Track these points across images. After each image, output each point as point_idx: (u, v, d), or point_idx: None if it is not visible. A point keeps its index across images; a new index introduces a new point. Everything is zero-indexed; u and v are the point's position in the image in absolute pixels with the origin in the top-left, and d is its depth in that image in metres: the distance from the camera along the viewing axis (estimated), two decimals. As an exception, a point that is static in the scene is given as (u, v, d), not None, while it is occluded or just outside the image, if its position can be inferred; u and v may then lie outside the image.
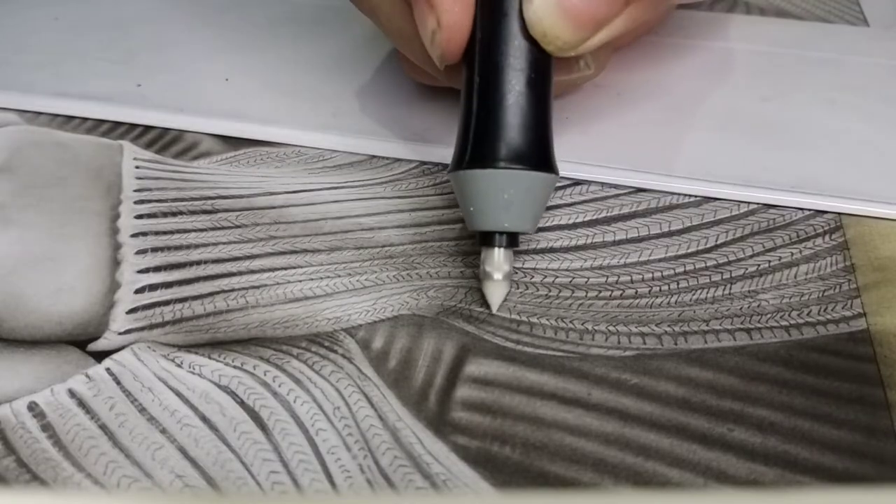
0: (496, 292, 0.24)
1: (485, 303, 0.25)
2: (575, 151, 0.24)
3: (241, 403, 0.22)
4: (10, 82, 0.34)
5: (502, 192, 0.23)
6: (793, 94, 0.33)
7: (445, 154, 0.30)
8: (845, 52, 0.36)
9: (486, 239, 0.24)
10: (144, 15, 0.39)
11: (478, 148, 0.23)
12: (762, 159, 0.30)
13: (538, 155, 0.23)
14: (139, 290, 0.25)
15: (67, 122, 0.32)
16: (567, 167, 0.29)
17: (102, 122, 0.32)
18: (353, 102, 0.33)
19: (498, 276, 0.24)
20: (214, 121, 0.32)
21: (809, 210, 0.28)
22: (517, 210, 0.23)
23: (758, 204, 0.28)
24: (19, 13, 0.39)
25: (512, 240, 0.24)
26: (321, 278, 0.26)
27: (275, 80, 0.34)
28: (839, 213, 0.28)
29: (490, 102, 0.23)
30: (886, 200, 0.28)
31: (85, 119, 0.32)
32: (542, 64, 0.24)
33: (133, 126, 0.32)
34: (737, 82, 0.34)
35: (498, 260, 0.24)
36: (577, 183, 0.29)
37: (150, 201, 0.29)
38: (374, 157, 0.31)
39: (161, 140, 0.32)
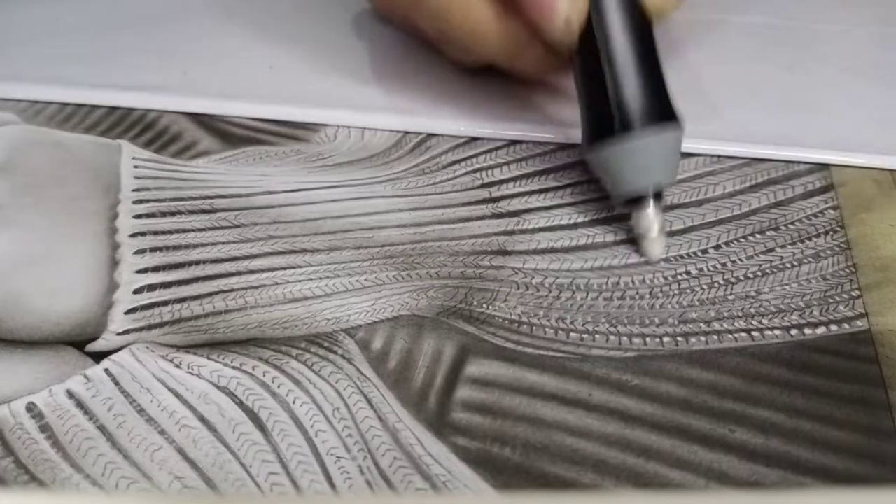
0: (656, 248, 0.26)
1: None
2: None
3: (240, 404, 0.22)
4: (53, 76, 0.34)
5: (649, 154, 0.25)
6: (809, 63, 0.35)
7: (496, 130, 0.31)
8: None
9: (637, 201, 0.26)
10: (173, 9, 0.39)
11: (617, 119, 0.25)
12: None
13: (668, 113, 0.25)
14: (138, 291, 0.25)
15: (67, 121, 0.32)
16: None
17: (102, 121, 0.32)
18: (401, 83, 0.33)
19: (654, 233, 0.26)
20: (264, 106, 0.32)
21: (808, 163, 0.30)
22: (663, 166, 0.25)
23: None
24: (51, 8, 0.39)
25: (658, 195, 0.26)
26: (320, 278, 0.26)
27: (320, 65, 0.34)
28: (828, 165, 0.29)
29: (618, 75, 0.25)
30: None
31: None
32: (649, 31, 0.26)
33: (132, 125, 0.32)
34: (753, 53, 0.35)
35: (652, 217, 0.25)
36: (579, 183, 0.29)
37: (148, 201, 0.28)
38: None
39: (160, 139, 0.31)
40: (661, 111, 0.25)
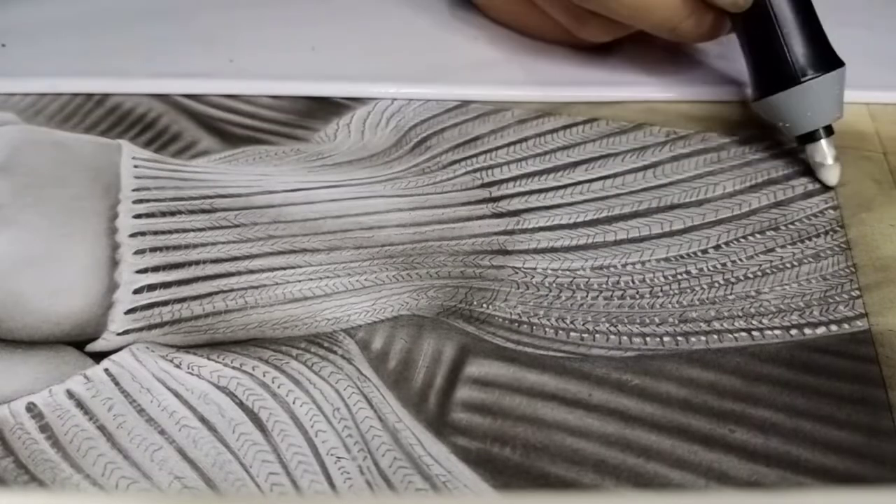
0: (833, 174, 0.29)
1: None
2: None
3: (241, 404, 0.22)
4: (101, 69, 0.34)
5: (821, 96, 0.29)
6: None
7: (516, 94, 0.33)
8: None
9: (810, 137, 0.29)
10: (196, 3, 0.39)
11: (778, 73, 0.29)
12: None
13: (825, 56, 0.29)
14: (138, 291, 0.25)
15: (67, 121, 0.32)
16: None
17: (102, 121, 0.32)
18: (442, 57, 0.35)
19: (830, 160, 0.29)
20: (309, 84, 0.34)
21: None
22: (832, 104, 0.29)
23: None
24: (78, 4, 0.39)
25: (829, 129, 0.29)
26: (320, 278, 0.26)
27: (361, 46, 0.36)
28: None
29: (787, 31, 0.29)
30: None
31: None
32: None
33: (132, 125, 0.32)
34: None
35: (826, 149, 0.29)
36: (579, 183, 0.29)
37: (148, 200, 0.28)
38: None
39: (160, 139, 0.31)
40: (826, 57, 0.29)
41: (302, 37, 0.36)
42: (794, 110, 0.29)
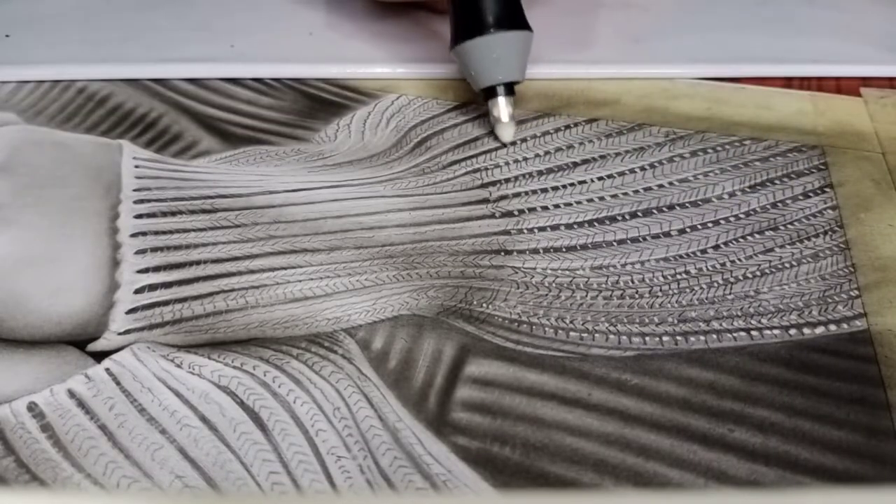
0: (507, 131, 0.30)
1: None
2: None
3: (241, 404, 0.22)
4: (103, 56, 0.35)
5: (500, 51, 0.30)
6: None
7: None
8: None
9: (490, 92, 0.30)
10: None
11: (469, 23, 0.30)
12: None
13: (514, 18, 0.30)
14: (139, 291, 0.25)
15: (67, 121, 0.32)
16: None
17: (103, 121, 0.32)
18: (436, 39, 0.35)
19: (505, 118, 0.30)
20: (306, 67, 0.35)
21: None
22: (512, 63, 0.30)
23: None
24: None
25: (509, 89, 0.30)
26: (321, 278, 0.26)
27: (360, 28, 0.36)
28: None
29: None
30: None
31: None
32: None
33: (133, 125, 0.32)
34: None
35: (503, 106, 0.30)
36: (579, 183, 0.29)
37: (149, 200, 0.29)
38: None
39: (161, 139, 0.31)
40: (514, 19, 0.30)
41: (299, 22, 0.37)
42: (479, 61, 0.30)
